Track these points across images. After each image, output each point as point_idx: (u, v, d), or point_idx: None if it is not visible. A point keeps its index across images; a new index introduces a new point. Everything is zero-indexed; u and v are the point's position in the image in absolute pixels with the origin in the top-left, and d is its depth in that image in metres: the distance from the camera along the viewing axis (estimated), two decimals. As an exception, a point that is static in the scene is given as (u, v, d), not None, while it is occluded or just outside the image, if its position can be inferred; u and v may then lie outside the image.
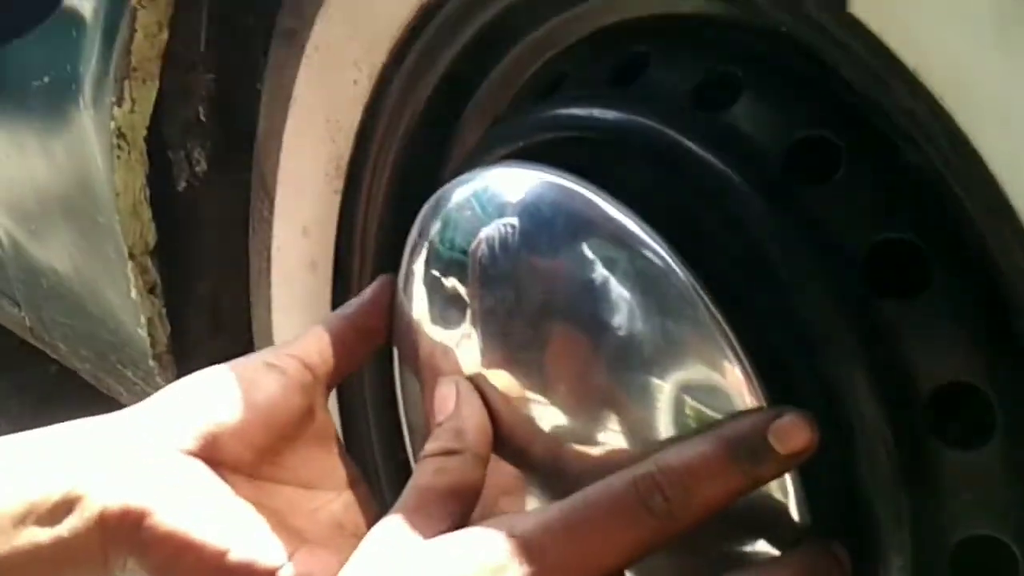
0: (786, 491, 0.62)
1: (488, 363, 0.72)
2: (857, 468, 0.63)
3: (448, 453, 0.68)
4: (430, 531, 0.63)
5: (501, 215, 0.72)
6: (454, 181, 0.76)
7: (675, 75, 0.71)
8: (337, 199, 0.94)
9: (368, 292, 0.81)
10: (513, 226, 0.71)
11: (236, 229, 1.05)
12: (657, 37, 0.75)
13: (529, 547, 0.59)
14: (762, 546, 0.64)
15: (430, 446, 0.69)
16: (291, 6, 0.92)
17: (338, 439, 0.77)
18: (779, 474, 0.60)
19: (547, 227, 0.70)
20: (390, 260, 0.92)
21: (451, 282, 0.75)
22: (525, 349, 0.71)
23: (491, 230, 0.72)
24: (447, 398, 0.72)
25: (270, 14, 0.95)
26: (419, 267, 0.77)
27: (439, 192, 0.76)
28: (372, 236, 0.94)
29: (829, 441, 0.61)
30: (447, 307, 0.75)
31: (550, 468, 0.70)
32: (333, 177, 0.93)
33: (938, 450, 0.62)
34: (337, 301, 0.98)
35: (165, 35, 0.96)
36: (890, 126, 0.62)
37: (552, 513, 0.60)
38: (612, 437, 0.67)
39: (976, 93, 0.53)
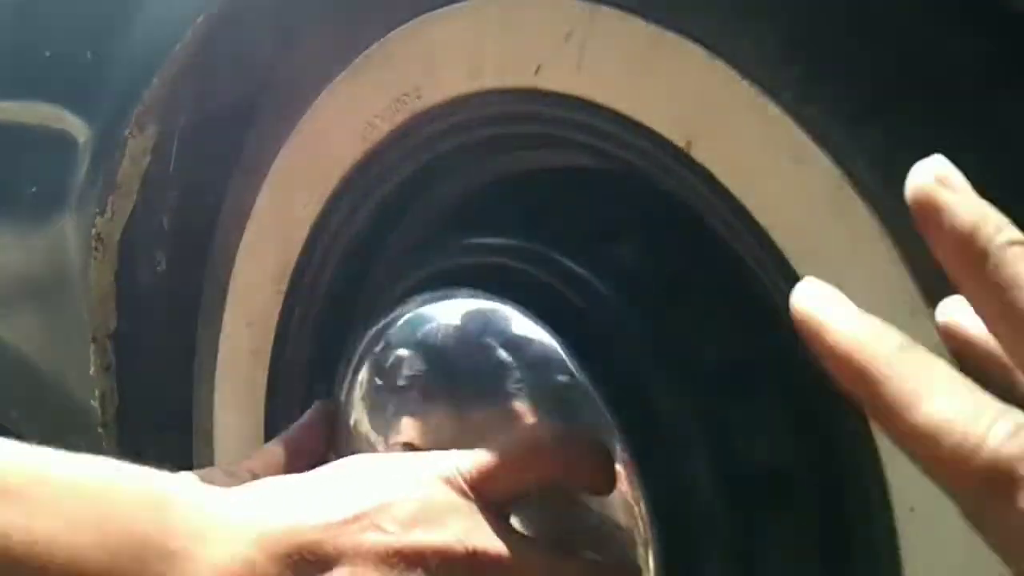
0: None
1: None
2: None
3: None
4: None
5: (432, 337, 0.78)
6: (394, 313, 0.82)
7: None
8: (280, 298, 0.99)
9: (306, 416, 0.83)
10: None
11: (186, 321, 1.09)
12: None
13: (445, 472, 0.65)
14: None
15: None
16: (255, 143, 0.98)
17: None
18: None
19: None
20: (324, 350, 0.99)
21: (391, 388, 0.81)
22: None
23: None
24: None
25: (231, 143, 1.01)
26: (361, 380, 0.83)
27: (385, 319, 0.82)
28: (308, 330, 0.99)
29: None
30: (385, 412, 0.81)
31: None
32: (279, 279, 0.98)
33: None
34: (272, 382, 1.02)
35: (148, 159, 1.01)
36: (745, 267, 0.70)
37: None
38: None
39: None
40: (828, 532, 0.69)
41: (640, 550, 0.69)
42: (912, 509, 0.61)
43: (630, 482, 0.68)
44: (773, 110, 0.60)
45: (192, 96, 1.00)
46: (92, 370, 1.10)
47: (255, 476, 0.71)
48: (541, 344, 0.73)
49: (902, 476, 0.62)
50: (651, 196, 0.73)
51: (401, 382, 0.80)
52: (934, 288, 0.57)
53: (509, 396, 0.73)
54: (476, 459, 0.65)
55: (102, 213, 1.01)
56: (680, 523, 0.69)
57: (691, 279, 0.74)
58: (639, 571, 0.67)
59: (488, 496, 0.65)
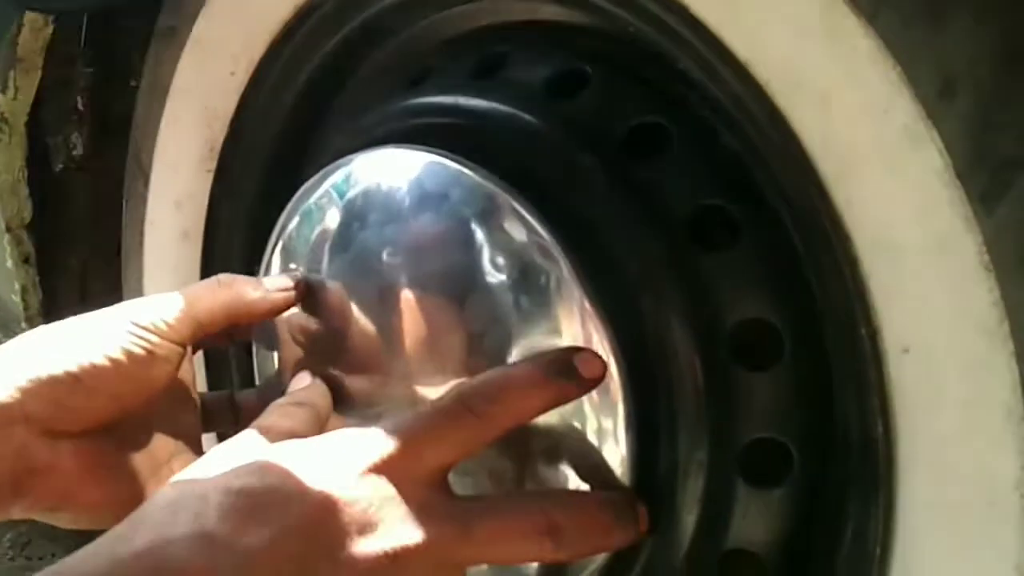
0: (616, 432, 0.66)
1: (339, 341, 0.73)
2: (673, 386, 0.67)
3: (296, 404, 0.68)
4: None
5: (377, 193, 0.73)
6: (332, 165, 0.77)
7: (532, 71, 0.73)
8: (210, 177, 0.93)
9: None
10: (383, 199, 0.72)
11: (108, 207, 1.02)
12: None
13: (373, 443, 0.60)
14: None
15: (279, 400, 0.69)
16: (172, 6, 0.90)
17: (196, 402, 0.75)
18: (580, 395, 0.65)
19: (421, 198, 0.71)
20: (258, 232, 0.93)
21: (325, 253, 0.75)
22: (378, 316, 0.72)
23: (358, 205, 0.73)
24: (302, 379, 0.73)
25: (147, 14, 0.93)
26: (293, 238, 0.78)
27: (320, 174, 0.76)
28: (242, 210, 0.93)
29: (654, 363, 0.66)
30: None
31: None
32: (207, 158, 0.92)
33: (737, 372, 0.67)
34: (206, 268, 0.97)
35: (49, 30, 0.93)
36: (716, 114, 0.66)
37: (393, 419, 0.62)
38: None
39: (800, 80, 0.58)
40: (814, 382, 0.67)
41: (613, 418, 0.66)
42: (906, 351, 0.59)
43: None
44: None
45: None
46: (9, 263, 1.03)
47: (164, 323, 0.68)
48: (495, 202, 0.68)
49: (895, 316, 0.59)
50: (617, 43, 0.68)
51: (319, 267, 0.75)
52: (934, 111, 0.54)
53: (462, 267, 0.68)
54: (398, 440, 0.61)
55: (3, 90, 0.93)
56: (653, 381, 0.67)
57: (659, 126, 0.69)
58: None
59: (416, 472, 0.61)
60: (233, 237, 0.96)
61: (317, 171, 0.78)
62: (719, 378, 0.67)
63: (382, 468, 0.59)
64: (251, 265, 0.93)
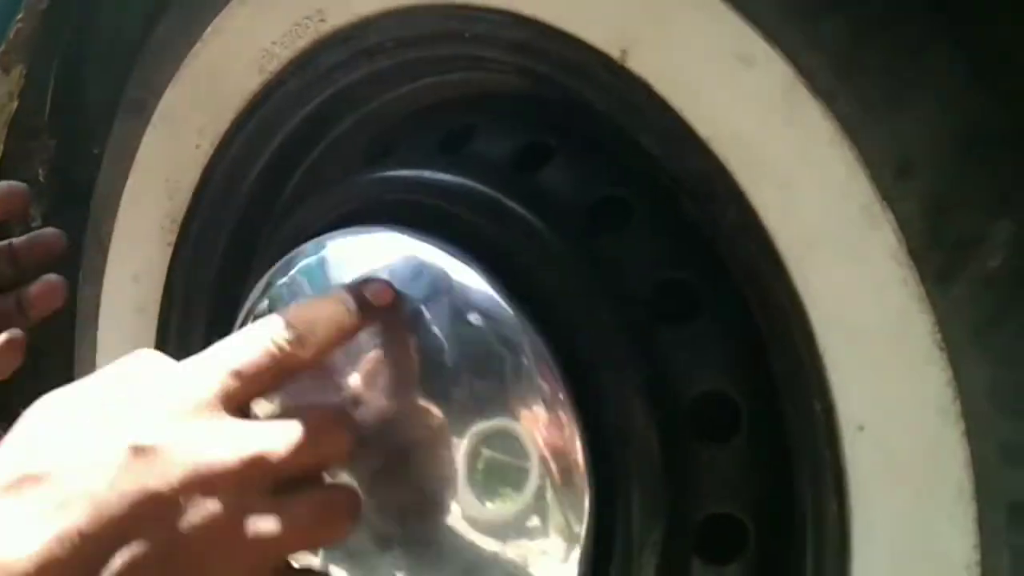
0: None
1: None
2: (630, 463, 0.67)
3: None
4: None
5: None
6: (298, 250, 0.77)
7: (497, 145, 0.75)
8: (170, 250, 0.92)
9: None
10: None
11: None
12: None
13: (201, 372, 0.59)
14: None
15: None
16: (140, 79, 0.91)
17: None
18: (374, 322, 0.67)
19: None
20: (217, 307, 0.93)
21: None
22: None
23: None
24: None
25: (113, 87, 0.94)
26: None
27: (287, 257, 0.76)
28: (202, 284, 0.93)
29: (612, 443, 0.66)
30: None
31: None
32: (168, 231, 0.92)
33: (695, 445, 0.67)
34: (161, 343, 0.96)
35: (15, 104, 0.93)
36: (678, 186, 0.67)
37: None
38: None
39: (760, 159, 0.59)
40: (770, 457, 0.67)
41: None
42: (861, 428, 0.59)
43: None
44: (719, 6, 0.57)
45: (67, 31, 0.92)
46: (-37, 337, 1.02)
47: None
48: (459, 279, 0.69)
49: (850, 394, 0.60)
50: (581, 117, 0.69)
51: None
52: (891, 192, 0.55)
53: (429, 341, 0.69)
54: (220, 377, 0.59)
55: (-37, 165, 0.93)
56: (616, 453, 0.67)
57: (623, 202, 0.71)
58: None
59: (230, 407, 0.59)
60: (190, 312, 0.95)
61: (280, 248, 0.78)
62: (678, 452, 0.67)
63: (203, 408, 0.57)
64: (209, 341, 0.93)
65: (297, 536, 0.57)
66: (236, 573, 0.55)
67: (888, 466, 0.59)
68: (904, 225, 0.55)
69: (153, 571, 0.51)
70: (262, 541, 0.55)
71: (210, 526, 0.53)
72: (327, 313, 0.64)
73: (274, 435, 0.57)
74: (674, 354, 0.68)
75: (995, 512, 0.55)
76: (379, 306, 0.67)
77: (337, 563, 0.71)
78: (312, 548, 0.64)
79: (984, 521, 0.56)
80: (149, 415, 0.55)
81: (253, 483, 0.55)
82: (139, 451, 0.53)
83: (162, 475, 0.52)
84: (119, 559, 0.51)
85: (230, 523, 0.54)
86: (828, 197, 0.57)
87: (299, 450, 0.58)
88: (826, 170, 0.56)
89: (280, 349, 0.60)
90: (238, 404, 0.58)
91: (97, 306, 0.99)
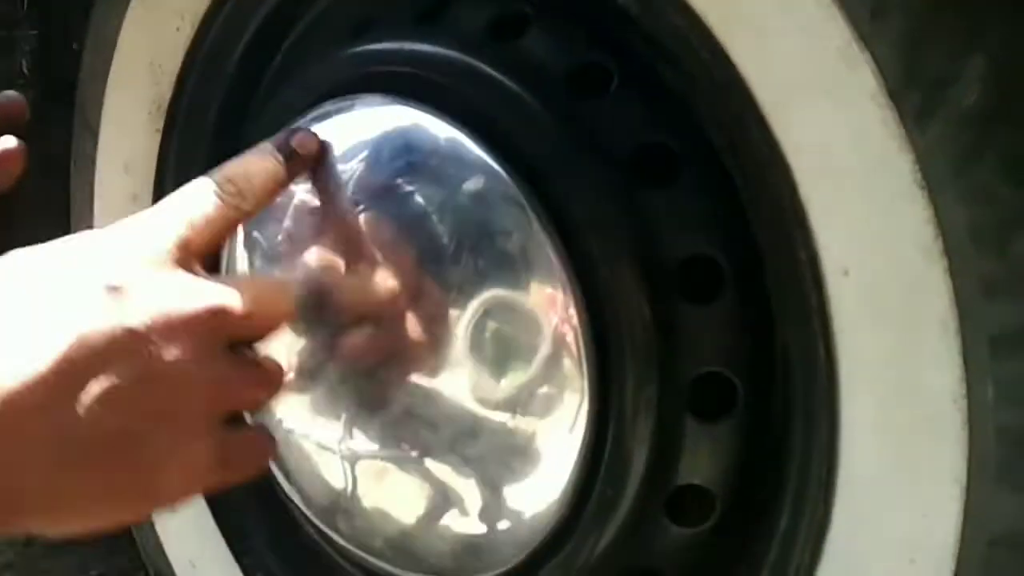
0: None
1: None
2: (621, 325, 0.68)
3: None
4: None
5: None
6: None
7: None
8: (158, 137, 0.92)
9: None
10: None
11: (57, 172, 1.01)
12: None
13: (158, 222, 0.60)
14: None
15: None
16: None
17: None
18: (303, 170, 0.69)
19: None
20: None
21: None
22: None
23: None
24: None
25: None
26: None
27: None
28: (191, 172, 0.92)
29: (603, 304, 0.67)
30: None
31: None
32: (155, 117, 0.92)
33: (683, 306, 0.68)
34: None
35: (-12, -5, 0.92)
36: (656, 48, 0.67)
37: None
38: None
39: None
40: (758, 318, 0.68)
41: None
42: (846, 272, 0.60)
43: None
44: None
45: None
46: (-44, 235, 1.02)
47: None
48: (446, 144, 0.70)
49: (833, 240, 0.61)
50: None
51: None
52: (867, 32, 0.55)
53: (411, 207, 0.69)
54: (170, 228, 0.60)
55: (-60, 58, 0.92)
56: (609, 316, 0.67)
57: (602, 69, 0.70)
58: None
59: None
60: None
61: (268, 129, 0.77)
62: (667, 313, 0.68)
63: (165, 256, 0.59)
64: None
65: (247, 388, 0.61)
66: (194, 415, 0.58)
67: (873, 307, 0.60)
68: (882, 65, 0.55)
69: (124, 399, 0.55)
70: (221, 386, 0.59)
71: (177, 364, 0.56)
72: (260, 167, 0.66)
73: (232, 294, 0.59)
74: (658, 217, 0.68)
75: (978, 345, 0.56)
76: (306, 155, 0.68)
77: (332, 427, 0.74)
78: (250, 407, 0.67)
79: (968, 355, 0.57)
80: (118, 259, 0.58)
81: (214, 333, 0.58)
82: (113, 290, 0.56)
83: (136, 314, 0.56)
84: (97, 385, 0.54)
85: (196, 364, 0.57)
86: (805, 42, 0.57)
87: (253, 310, 0.60)
88: (801, 14, 0.56)
89: (224, 202, 0.63)
90: (192, 253, 0.60)
91: (91, 196, 0.99)
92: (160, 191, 0.95)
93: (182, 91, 0.90)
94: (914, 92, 0.55)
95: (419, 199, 0.69)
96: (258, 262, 0.76)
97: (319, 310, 0.70)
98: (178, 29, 0.88)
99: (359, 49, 0.78)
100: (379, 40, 0.77)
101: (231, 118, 0.91)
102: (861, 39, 0.55)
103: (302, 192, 0.72)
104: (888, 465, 0.61)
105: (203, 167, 0.91)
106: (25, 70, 0.99)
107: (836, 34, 0.56)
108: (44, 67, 0.99)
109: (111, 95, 0.94)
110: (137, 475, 0.57)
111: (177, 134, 0.93)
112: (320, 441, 0.75)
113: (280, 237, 0.73)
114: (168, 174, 0.95)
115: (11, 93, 0.77)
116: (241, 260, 0.77)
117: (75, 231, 1.00)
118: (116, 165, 0.97)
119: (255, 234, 0.76)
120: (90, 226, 1.00)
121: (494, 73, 0.71)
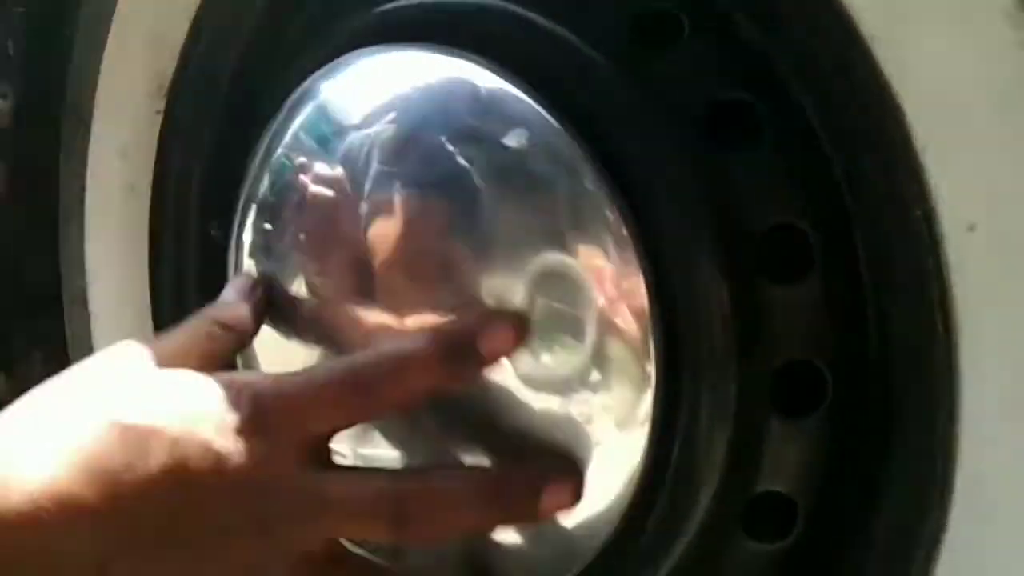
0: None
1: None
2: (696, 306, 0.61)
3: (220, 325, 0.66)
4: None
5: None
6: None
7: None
8: (159, 119, 0.86)
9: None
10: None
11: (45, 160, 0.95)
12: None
13: (258, 397, 0.59)
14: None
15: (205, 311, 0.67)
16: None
17: None
18: (478, 371, 0.62)
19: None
20: (217, 183, 0.86)
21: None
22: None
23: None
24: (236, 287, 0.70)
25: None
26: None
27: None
28: (198, 157, 0.87)
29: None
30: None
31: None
32: (155, 96, 0.85)
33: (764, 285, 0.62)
34: (155, 224, 0.90)
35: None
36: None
37: (285, 377, 0.61)
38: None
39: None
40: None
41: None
42: (971, 228, 0.53)
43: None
44: None
45: None
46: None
47: None
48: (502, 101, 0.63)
49: (956, 190, 0.53)
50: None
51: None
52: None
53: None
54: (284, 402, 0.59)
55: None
56: (677, 296, 0.61)
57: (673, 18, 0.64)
58: None
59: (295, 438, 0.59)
60: (187, 189, 0.89)
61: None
62: (747, 293, 0.61)
63: (260, 427, 0.58)
64: (208, 221, 0.87)
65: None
66: None
67: (1005, 268, 0.52)
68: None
69: None
70: None
71: None
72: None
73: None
74: (737, 183, 0.62)
75: None
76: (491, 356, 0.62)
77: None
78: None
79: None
80: None
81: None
82: None
83: None
84: None
85: None
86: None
87: None
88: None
89: None
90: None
91: (83, 187, 0.93)
92: (160, 180, 0.89)
93: (186, 65, 0.83)
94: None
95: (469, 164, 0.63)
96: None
97: None
98: (181, -2, 0.82)
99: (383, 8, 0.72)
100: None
101: (244, 95, 0.85)
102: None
103: None
104: (1021, 459, 0.53)
105: (210, 153, 0.85)
106: (10, 52, 0.93)
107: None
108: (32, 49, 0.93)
109: (106, 75, 0.88)
110: None
111: (181, 116, 0.87)
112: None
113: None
114: (171, 160, 0.89)
115: None
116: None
117: (63, 227, 0.95)
118: (111, 151, 0.91)
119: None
120: (79, 223, 0.93)
121: (549, 24, 0.65)
